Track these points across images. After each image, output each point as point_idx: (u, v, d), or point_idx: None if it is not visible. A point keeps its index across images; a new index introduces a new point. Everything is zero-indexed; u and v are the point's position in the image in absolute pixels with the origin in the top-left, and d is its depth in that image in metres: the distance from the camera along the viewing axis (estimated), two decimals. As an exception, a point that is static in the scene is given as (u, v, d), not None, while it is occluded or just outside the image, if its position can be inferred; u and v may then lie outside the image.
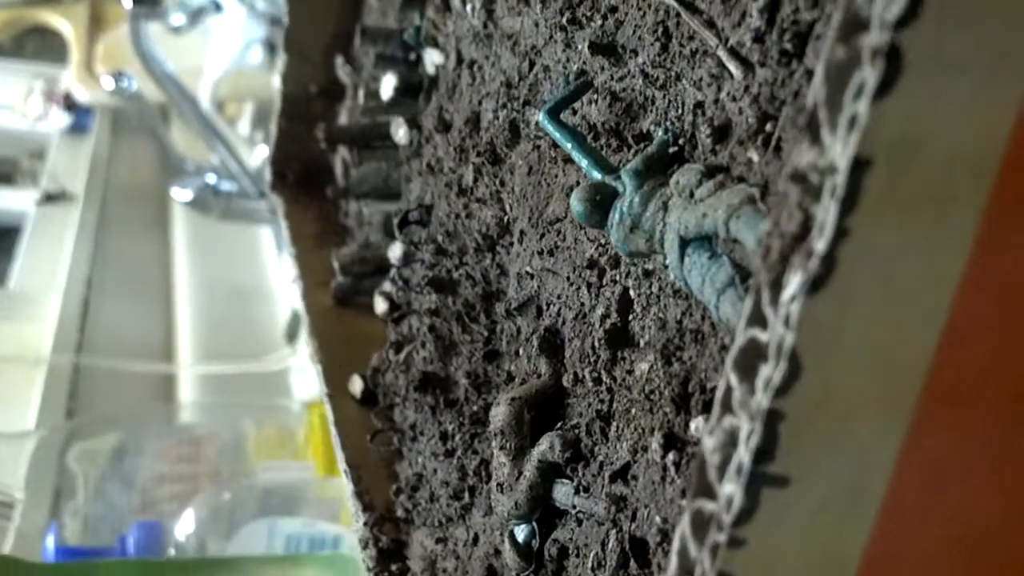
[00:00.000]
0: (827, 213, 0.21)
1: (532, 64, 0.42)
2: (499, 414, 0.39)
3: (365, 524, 0.52)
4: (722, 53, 0.29)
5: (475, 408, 0.47)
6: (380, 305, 0.60)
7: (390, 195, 0.67)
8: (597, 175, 0.33)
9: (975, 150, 0.20)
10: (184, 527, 0.90)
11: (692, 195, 0.29)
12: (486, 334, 0.48)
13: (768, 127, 0.27)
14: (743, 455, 0.22)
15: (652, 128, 0.33)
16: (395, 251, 0.58)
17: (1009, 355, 0.22)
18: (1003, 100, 0.20)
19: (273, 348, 1.27)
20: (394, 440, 0.55)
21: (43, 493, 0.99)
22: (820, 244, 0.21)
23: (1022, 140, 0.20)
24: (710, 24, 0.29)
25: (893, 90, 0.19)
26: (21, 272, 1.50)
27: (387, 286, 0.59)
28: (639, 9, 0.34)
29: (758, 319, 0.22)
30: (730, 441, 0.23)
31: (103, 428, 1.04)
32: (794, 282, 0.21)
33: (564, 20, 0.38)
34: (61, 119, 1.88)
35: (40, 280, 1.48)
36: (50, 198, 1.71)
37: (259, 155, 1.53)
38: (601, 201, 0.31)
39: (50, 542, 0.88)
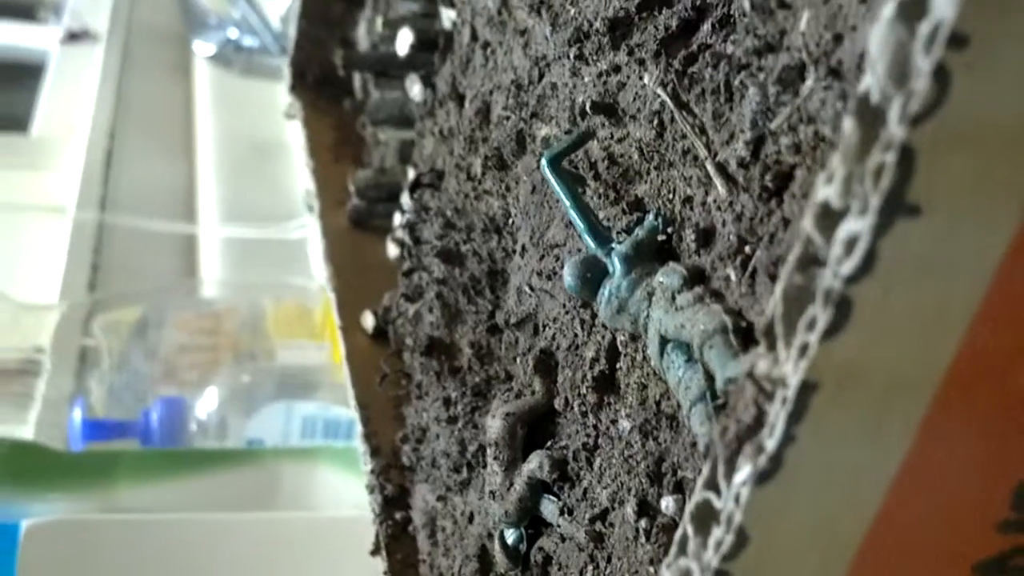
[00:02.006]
0: (777, 418, 0.23)
1: (541, 75, 0.43)
2: (494, 427, 0.41)
3: (372, 471, 0.55)
4: (710, 166, 0.30)
5: (477, 380, 0.50)
6: (392, 250, 0.63)
7: (406, 123, 0.68)
8: (590, 241, 0.35)
9: (914, 379, 0.22)
10: (206, 405, 0.95)
11: (674, 299, 0.31)
12: (490, 308, 0.50)
13: (747, 249, 0.29)
14: (694, 596, 0.25)
15: (646, 200, 0.35)
16: (408, 200, 0.60)
17: (931, 536, 0.25)
18: (943, 343, 0.22)
19: (293, 215, 1.29)
20: (402, 382, 0.58)
21: (68, 361, 1.03)
22: (770, 444, 0.23)
23: (959, 372, 0.22)
24: (701, 130, 0.31)
25: (841, 333, 0.21)
26: (44, 118, 1.51)
27: (399, 232, 0.61)
28: (640, 77, 0.35)
29: (713, 486, 0.25)
30: (684, 580, 0.25)
31: (126, 301, 1.07)
32: (745, 470, 0.23)
33: (572, 54, 0.39)
34: (83, -52, 1.85)
35: (63, 127, 1.48)
36: (73, 37, 1.70)
37: (282, 6, 1.52)
38: (591, 279, 0.33)
39: (77, 415, 0.93)
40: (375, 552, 0.53)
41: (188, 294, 1.15)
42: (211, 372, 1.02)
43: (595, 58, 0.38)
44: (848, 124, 0.21)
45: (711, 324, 0.28)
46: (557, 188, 0.37)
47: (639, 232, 0.33)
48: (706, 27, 0.33)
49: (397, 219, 0.64)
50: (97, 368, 1.04)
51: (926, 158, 0.20)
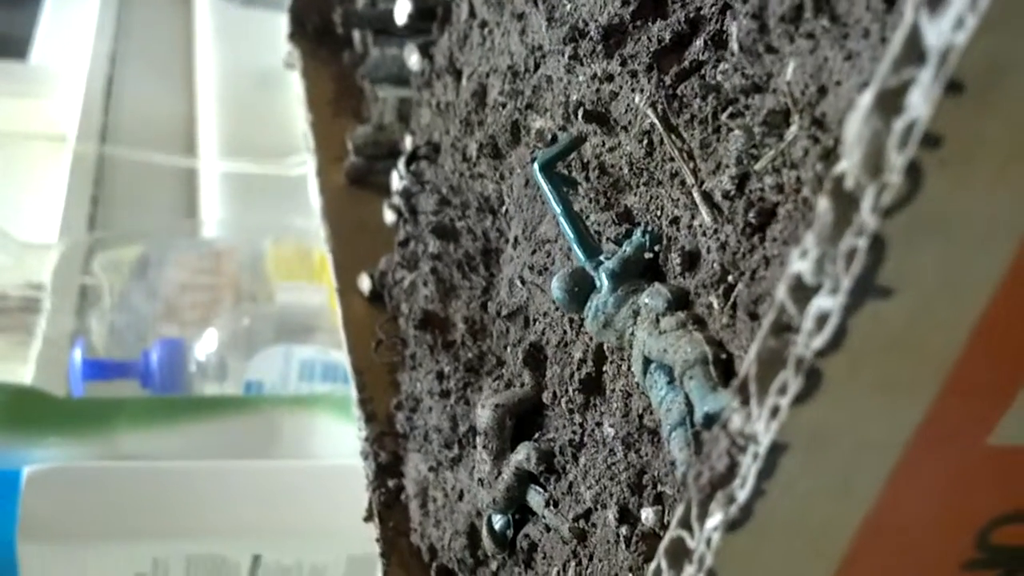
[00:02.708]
0: (748, 471, 0.24)
1: (537, 65, 0.43)
2: (484, 416, 0.42)
3: (366, 439, 0.56)
4: (696, 194, 0.30)
5: (470, 355, 0.51)
6: (389, 216, 0.63)
7: (406, 82, 0.68)
8: (579, 251, 0.35)
9: (883, 440, 0.23)
10: (205, 347, 0.96)
11: (658, 321, 0.31)
12: (484, 284, 0.51)
13: (730, 279, 0.30)
14: (667, 628, 0.26)
15: (635, 211, 0.35)
16: (403, 168, 0.60)
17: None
18: (912, 409, 0.23)
19: (294, 150, 1.29)
20: (397, 347, 0.59)
21: (68, 299, 1.04)
22: (741, 495, 0.24)
23: (928, 433, 0.23)
24: (689, 155, 0.31)
25: (811, 400, 0.22)
26: (43, 45, 1.49)
27: (396, 199, 0.61)
28: (632, 90, 0.35)
29: (686, 525, 0.25)
30: (658, 612, 0.27)
31: (127, 239, 1.08)
32: (716, 516, 0.24)
33: (567, 53, 0.39)
34: None
35: (63, 55, 1.47)
36: (72, -42, 1.68)
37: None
38: (579, 293, 0.34)
39: (77, 355, 0.94)
40: (368, 519, 0.55)
41: (188, 233, 1.15)
42: (211, 312, 1.03)
43: (589, 60, 0.38)
44: (823, 204, 0.21)
45: (692, 354, 0.29)
46: (549, 195, 0.37)
47: (627, 248, 0.34)
48: (699, 43, 0.33)
49: (395, 181, 0.65)
50: (97, 306, 1.05)
51: (898, 246, 0.20)
